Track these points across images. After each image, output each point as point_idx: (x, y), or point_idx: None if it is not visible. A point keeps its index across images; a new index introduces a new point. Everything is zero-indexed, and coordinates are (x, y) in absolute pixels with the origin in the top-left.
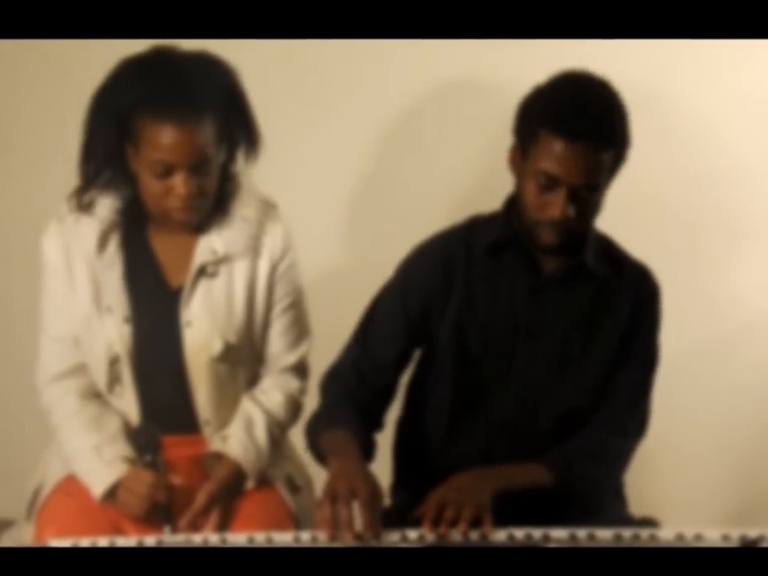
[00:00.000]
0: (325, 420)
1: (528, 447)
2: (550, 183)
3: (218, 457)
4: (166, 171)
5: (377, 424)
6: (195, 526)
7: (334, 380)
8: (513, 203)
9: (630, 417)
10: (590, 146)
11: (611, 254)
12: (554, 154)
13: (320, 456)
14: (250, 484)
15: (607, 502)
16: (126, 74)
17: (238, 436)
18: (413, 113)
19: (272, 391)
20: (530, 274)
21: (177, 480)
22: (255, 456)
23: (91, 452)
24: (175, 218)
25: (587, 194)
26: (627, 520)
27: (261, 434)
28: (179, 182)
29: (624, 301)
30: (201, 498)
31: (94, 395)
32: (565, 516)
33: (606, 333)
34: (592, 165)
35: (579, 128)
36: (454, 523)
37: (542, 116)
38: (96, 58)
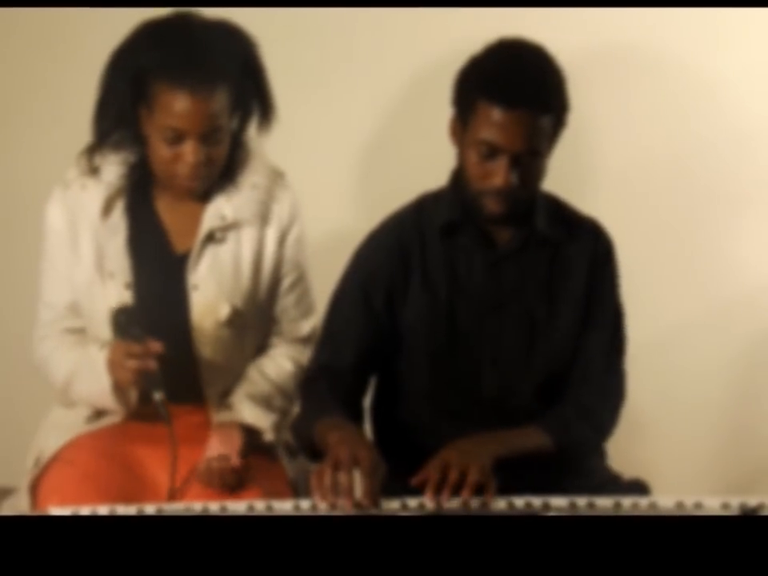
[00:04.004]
0: (313, 415)
1: (516, 419)
2: (491, 152)
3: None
4: (177, 138)
5: (359, 415)
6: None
7: (310, 385)
8: (458, 176)
9: (608, 378)
10: (528, 113)
11: (562, 214)
12: (492, 123)
13: (313, 451)
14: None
15: (595, 463)
16: (146, 36)
17: (248, 407)
18: (417, 79)
19: (283, 360)
20: (485, 248)
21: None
22: (268, 427)
23: (83, 354)
24: (182, 185)
25: (529, 160)
26: (617, 481)
27: (270, 406)
28: (188, 151)
29: (580, 261)
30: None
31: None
32: (553, 478)
33: (568, 295)
34: (531, 131)
35: (516, 95)
36: (457, 489)
37: (478, 85)
38: (101, 27)
